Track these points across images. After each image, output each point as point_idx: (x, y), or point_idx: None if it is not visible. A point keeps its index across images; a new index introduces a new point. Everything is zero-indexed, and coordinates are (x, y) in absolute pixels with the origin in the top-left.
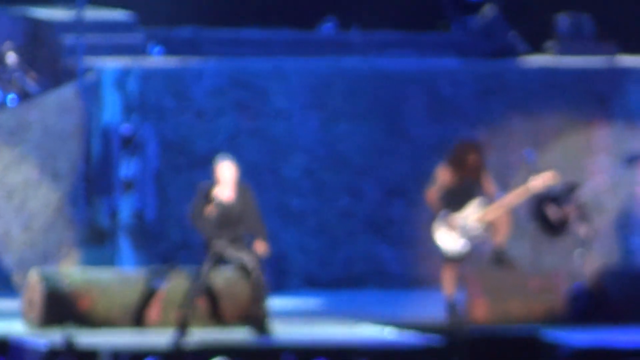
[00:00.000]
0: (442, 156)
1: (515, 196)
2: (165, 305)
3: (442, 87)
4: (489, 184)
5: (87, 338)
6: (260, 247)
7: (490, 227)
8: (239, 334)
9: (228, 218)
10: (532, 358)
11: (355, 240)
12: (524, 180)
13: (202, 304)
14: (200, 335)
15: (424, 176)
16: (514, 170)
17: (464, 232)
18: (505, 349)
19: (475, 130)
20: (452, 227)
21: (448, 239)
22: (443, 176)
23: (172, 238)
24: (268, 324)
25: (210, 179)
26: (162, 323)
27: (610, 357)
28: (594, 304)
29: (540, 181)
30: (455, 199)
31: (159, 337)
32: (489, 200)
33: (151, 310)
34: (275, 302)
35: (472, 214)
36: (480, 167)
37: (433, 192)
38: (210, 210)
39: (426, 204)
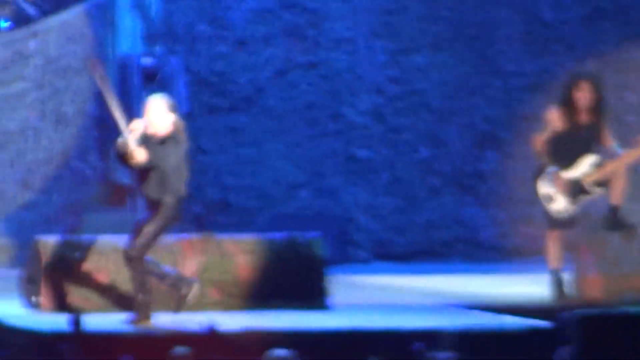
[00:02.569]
0: (542, 97)
1: (638, 153)
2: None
3: (542, 10)
4: (607, 136)
5: (98, 321)
6: None
7: (604, 184)
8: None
9: None
10: None
11: (438, 200)
12: None
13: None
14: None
15: (521, 122)
16: (634, 114)
17: (573, 193)
18: (627, 332)
19: (584, 65)
20: (560, 185)
21: (554, 200)
22: (554, 121)
23: (207, 198)
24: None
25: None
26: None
27: None
28: None
29: None
30: (567, 152)
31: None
32: (606, 156)
33: None
34: (339, 279)
35: (584, 172)
36: (598, 114)
37: (542, 140)
38: None
39: (524, 155)
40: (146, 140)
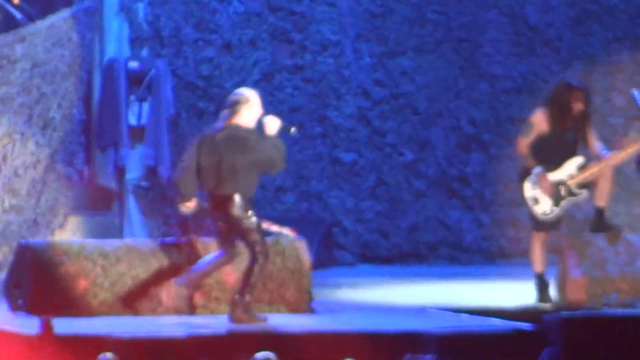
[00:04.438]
0: (528, 99)
1: (623, 155)
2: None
3: (529, 13)
4: (592, 138)
5: (83, 327)
6: None
7: (589, 186)
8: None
9: None
10: None
11: (422, 203)
12: (633, 129)
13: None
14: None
15: (507, 124)
16: (620, 117)
17: (559, 195)
18: (609, 334)
19: (571, 68)
20: (545, 188)
21: (539, 202)
22: (540, 123)
23: None
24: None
25: None
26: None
27: None
28: None
29: None
30: (552, 154)
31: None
32: (592, 159)
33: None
34: (326, 281)
35: (570, 174)
36: (584, 117)
37: (526, 143)
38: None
39: (510, 158)
40: None
